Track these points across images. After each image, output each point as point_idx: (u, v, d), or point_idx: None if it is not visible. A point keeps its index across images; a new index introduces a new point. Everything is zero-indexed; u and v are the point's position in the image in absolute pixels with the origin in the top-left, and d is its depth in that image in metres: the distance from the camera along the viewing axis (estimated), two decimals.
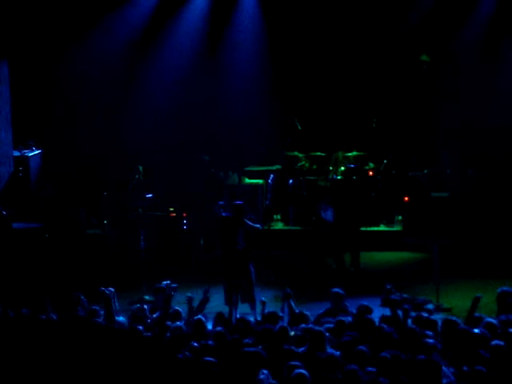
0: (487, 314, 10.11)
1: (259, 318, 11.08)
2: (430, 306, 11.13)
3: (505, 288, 10.56)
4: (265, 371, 8.22)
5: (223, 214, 12.89)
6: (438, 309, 12.69)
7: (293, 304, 10.60)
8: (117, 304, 11.01)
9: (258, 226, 12.82)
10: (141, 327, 9.92)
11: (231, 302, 12.21)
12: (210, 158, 17.86)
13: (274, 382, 8.08)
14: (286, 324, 10.15)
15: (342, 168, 17.80)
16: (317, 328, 9.24)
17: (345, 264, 15.53)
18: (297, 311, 10.57)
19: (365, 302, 10.44)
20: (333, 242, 15.81)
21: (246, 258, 12.49)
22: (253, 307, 12.30)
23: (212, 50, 18.88)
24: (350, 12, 18.53)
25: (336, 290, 11.00)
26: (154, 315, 10.78)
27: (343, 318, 9.75)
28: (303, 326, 9.70)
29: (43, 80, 17.85)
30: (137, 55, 18.48)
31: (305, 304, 12.06)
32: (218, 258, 13.21)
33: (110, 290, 10.50)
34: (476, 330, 9.02)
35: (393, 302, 10.29)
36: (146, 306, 11.01)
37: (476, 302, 9.95)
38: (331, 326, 9.68)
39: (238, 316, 11.61)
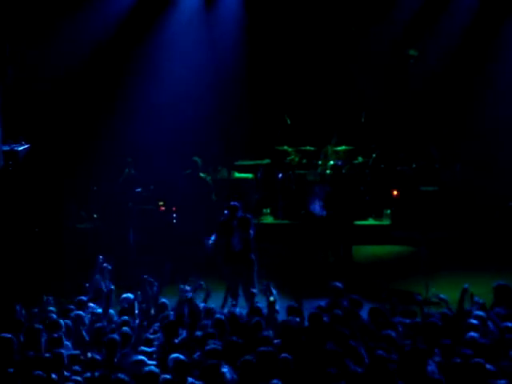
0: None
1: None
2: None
3: (501, 282, 10.65)
4: (225, 366, 8.40)
5: (222, 218, 12.73)
6: (427, 302, 12.77)
7: (273, 289, 10.67)
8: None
9: (249, 232, 12.56)
10: (126, 317, 10.02)
11: (234, 295, 12.24)
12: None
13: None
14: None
15: (332, 162, 17.86)
16: (292, 322, 9.30)
17: (341, 257, 15.55)
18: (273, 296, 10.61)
19: (355, 296, 10.52)
20: (329, 236, 15.74)
21: (244, 256, 12.45)
22: (248, 302, 12.25)
23: (198, 41, 18.86)
24: (338, 5, 18.57)
25: (335, 283, 10.91)
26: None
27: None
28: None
29: (31, 73, 17.78)
30: (126, 50, 18.43)
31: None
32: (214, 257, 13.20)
33: (110, 287, 10.63)
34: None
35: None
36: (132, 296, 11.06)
37: (464, 293, 10.01)
38: None
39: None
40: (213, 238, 12.59)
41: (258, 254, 12.80)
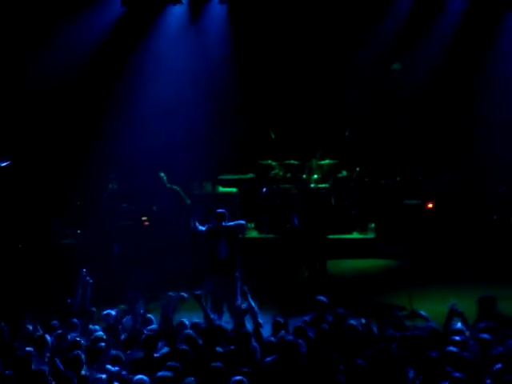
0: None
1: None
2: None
3: (485, 295, 10.69)
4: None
5: (209, 226, 12.67)
6: (412, 315, 12.77)
7: (251, 301, 10.62)
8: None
9: (241, 222, 12.62)
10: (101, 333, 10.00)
11: (218, 311, 12.16)
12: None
13: None
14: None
15: (316, 176, 17.88)
16: (290, 338, 9.27)
17: (316, 271, 15.55)
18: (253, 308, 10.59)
19: (341, 310, 10.50)
20: (303, 250, 15.81)
21: (230, 266, 12.40)
22: (233, 316, 12.17)
23: (183, 58, 18.87)
24: (322, 21, 18.61)
25: (320, 297, 10.88)
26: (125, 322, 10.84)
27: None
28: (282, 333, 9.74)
29: (11, 89, 17.75)
30: (108, 63, 18.41)
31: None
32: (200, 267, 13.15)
33: (91, 309, 10.62)
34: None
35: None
36: (113, 312, 11.01)
37: (452, 313, 10.00)
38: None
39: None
40: (203, 227, 12.47)
41: (243, 269, 12.76)
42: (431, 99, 18.40)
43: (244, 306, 10.61)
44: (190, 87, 18.74)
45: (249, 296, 10.70)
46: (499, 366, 8.28)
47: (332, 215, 16.96)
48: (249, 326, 10.20)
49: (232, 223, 12.49)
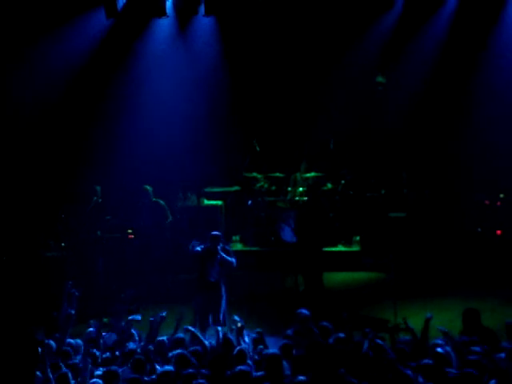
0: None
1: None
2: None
3: (470, 307, 10.72)
4: None
5: (199, 248, 12.68)
6: (397, 328, 12.78)
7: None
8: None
9: (233, 260, 12.68)
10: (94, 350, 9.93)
11: (205, 324, 12.14)
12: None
13: None
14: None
15: (301, 189, 17.89)
16: (273, 351, 9.24)
17: (298, 285, 15.52)
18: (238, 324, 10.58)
19: (325, 323, 10.48)
20: (298, 262, 15.73)
21: (218, 288, 12.49)
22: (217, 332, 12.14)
23: (169, 70, 18.88)
24: (307, 35, 18.66)
25: (301, 310, 10.88)
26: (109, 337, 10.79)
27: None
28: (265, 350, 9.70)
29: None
30: (94, 75, 18.40)
31: (265, 327, 11.98)
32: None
33: (69, 312, 10.54)
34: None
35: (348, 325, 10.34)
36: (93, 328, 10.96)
37: (427, 322, 10.04)
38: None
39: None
40: (199, 247, 12.53)
41: (228, 282, 12.79)
42: (417, 110, 18.42)
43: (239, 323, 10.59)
44: (177, 99, 18.75)
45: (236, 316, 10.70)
46: (493, 382, 8.29)
47: (329, 227, 16.98)
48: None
49: (227, 258, 12.56)
